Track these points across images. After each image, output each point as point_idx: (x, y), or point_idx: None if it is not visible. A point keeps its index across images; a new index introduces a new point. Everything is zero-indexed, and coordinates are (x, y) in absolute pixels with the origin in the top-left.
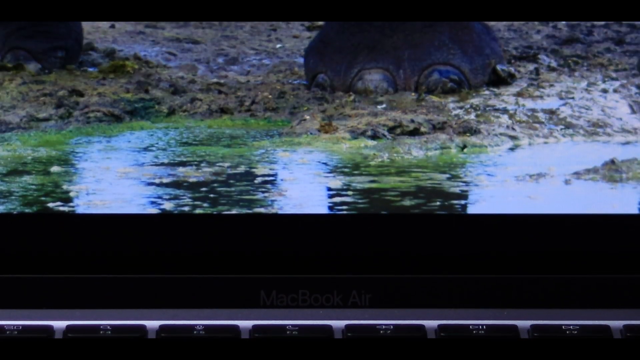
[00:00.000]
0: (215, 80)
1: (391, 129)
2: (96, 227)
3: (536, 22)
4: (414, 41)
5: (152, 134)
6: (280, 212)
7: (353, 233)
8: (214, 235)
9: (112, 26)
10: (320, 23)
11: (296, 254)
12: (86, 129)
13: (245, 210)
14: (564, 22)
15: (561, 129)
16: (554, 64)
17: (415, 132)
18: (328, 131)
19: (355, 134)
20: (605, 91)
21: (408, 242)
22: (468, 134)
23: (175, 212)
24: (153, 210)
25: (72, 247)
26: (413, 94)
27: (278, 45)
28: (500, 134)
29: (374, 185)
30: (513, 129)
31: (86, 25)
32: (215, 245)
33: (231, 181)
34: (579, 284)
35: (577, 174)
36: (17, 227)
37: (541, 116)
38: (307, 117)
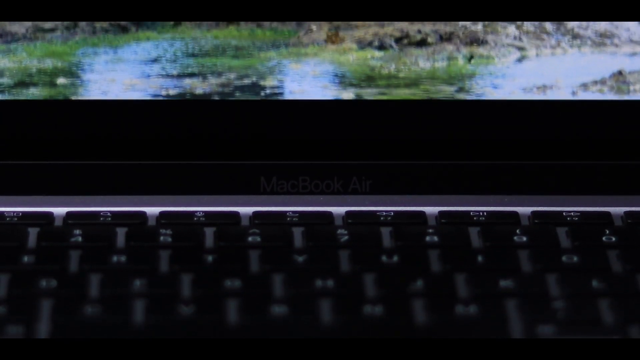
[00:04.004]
0: None
1: (398, 40)
2: (96, 113)
3: None
4: None
5: (158, 45)
6: (280, 98)
7: (354, 119)
8: (214, 121)
9: None
10: None
11: (296, 140)
12: (92, 39)
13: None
14: None
15: (568, 39)
16: None
17: (422, 43)
18: (335, 42)
19: (362, 45)
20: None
21: (409, 128)
22: (475, 45)
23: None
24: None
25: (72, 134)
26: None
27: None
28: (508, 44)
29: (384, 97)
30: (520, 39)
31: None
32: (215, 132)
33: (237, 93)
34: (580, 170)
35: (584, 86)
36: (17, 114)
37: (548, 27)
38: (314, 28)
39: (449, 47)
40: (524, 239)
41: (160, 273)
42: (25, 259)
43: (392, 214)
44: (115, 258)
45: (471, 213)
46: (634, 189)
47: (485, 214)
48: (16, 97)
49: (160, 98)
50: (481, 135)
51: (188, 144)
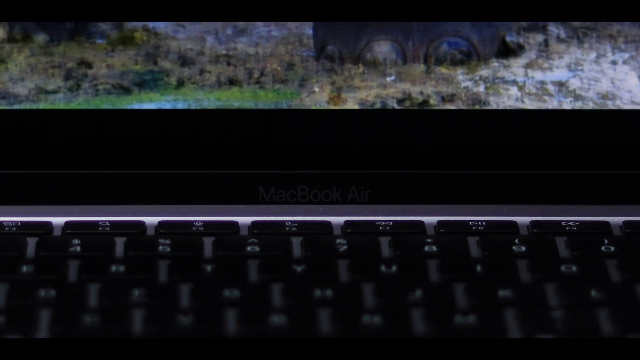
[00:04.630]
0: (224, 51)
1: (400, 101)
2: (95, 123)
3: None
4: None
5: (160, 106)
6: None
7: (353, 129)
8: (213, 130)
9: None
10: None
11: (295, 149)
12: (95, 100)
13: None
14: None
15: (570, 101)
16: (563, 35)
17: (424, 104)
18: (337, 103)
19: (365, 106)
20: (614, 63)
21: (408, 138)
22: (477, 106)
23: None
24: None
25: (70, 143)
26: (422, 65)
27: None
28: (510, 106)
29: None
30: (522, 101)
31: None
32: (214, 141)
33: None
34: (579, 180)
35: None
36: (15, 123)
37: (550, 88)
38: (316, 89)
39: (451, 108)
40: (523, 248)
41: (159, 283)
42: (24, 268)
43: (391, 223)
44: (114, 268)
45: (470, 223)
46: (632, 198)
47: (484, 223)
48: (14, 107)
49: (160, 109)
50: (480, 145)
51: (187, 153)
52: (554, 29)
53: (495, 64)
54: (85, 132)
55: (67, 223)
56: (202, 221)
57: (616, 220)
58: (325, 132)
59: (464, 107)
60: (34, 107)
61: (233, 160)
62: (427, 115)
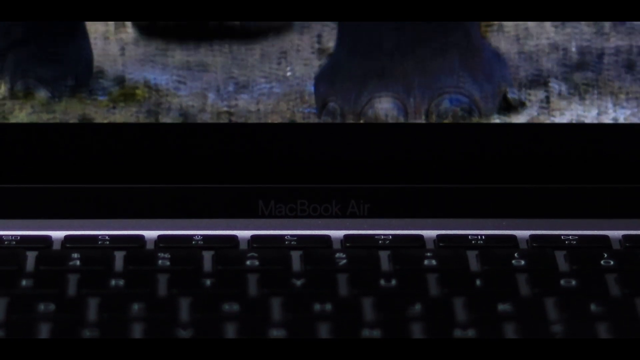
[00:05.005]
0: (225, 108)
1: None
2: (94, 136)
3: (546, 48)
4: (424, 67)
5: None
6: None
7: (352, 142)
8: (212, 144)
9: (122, 52)
10: (331, 49)
11: (295, 163)
12: None
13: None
14: (574, 49)
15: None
16: (564, 91)
17: None
18: None
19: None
20: (616, 120)
21: (407, 151)
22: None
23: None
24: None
25: (70, 157)
26: (424, 121)
27: (288, 73)
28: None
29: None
30: None
31: (96, 51)
32: (213, 155)
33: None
34: (579, 194)
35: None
36: (14, 137)
37: None
38: None
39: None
40: (522, 262)
41: (158, 297)
42: (24, 282)
43: (391, 237)
44: (113, 282)
45: (469, 237)
46: (632, 212)
47: (483, 237)
48: (13, 121)
49: (155, 122)
50: (480, 159)
51: (186, 167)
52: (555, 85)
53: (497, 120)
54: (84, 145)
55: (66, 237)
56: (201, 235)
57: (615, 234)
58: (324, 146)
59: (461, 122)
60: (35, 120)
61: (232, 174)
62: (426, 129)
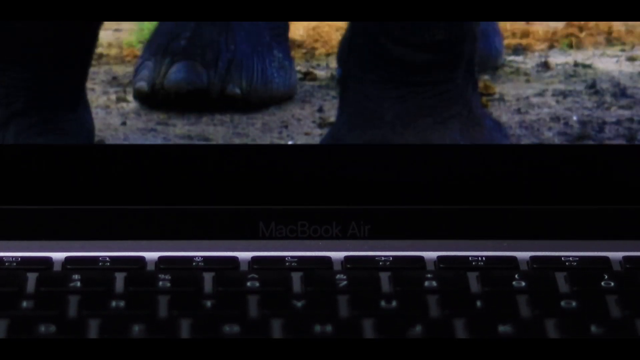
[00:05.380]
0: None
1: None
2: (94, 158)
3: (548, 119)
4: (425, 138)
5: None
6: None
7: (352, 163)
8: (212, 166)
9: (124, 123)
10: (332, 119)
11: (295, 184)
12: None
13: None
14: (575, 119)
15: None
16: None
17: None
18: None
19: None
20: None
21: (407, 172)
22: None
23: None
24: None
25: (70, 179)
26: None
27: (290, 142)
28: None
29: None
30: None
31: (97, 121)
32: (213, 176)
33: None
34: (579, 215)
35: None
36: (15, 158)
37: None
38: None
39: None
40: (523, 284)
41: (159, 318)
42: (24, 304)
43: (391, 258)
44: (114, 303)
45: (470, 258)
46: (632, 233)
47: (484, 258)
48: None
49: (158, 144)
50: (480, 180)
51: (186, 189)
52: None
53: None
54: (84, 167)
55: (67, 258)
56: (202, 256)
57: (616, 255)
58: (324, 167)
59: (461, 143)
60: (33, 142)
61: (233, 196)
62: (426, 150)
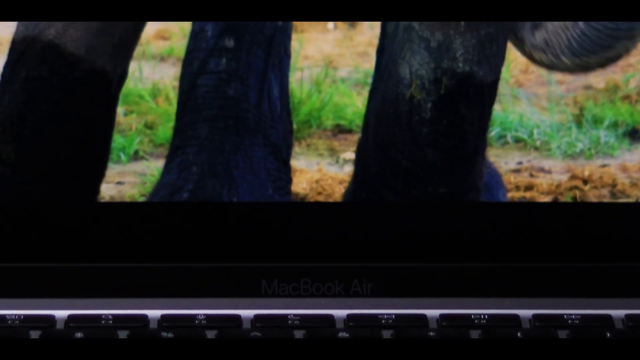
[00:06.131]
0: None
1: None
2: (97, 216)
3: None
4: None
5: None
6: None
7: (354, 222)
8: (214, 224)
9: None
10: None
11: (297, 242)
12: None
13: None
14: None
15: None
16: None
17: None
18: None
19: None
20: None
21: (409, 230)
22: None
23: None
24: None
25: (73, 237)
26: None
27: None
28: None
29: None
30: None
31: None
32: (216, 234)
33: None
34: (581, 273)
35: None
36: (17, 216)
37: None
38: None
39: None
40: (525, 342)
41: None
42: None
43: (394, 317)
44: None
45: (472, 316)
46: (634, 291)
47: (486, 316)
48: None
49: (160, 202)
50: (481, 237)
51: (189, 246)
52: None
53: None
54: (85, 225)
55: (70, 316)
56: (204, 314)
57: (618, 313)
58: (327, 225)
59: (462, 202)
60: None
61: (235, 254)
62: (427, 209)
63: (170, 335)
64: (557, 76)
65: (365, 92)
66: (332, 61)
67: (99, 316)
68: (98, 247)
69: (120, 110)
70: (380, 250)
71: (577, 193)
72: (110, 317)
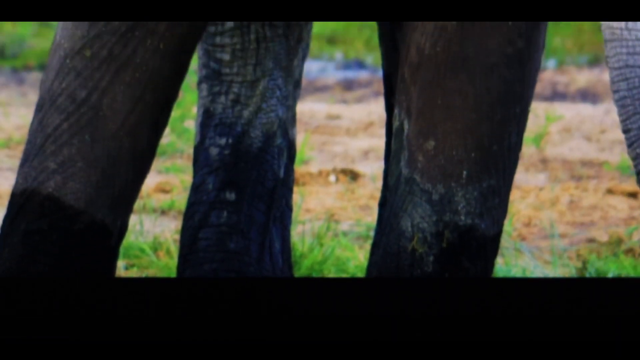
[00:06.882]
0: None
1: None
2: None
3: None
4: None
5: None
6: None
7: None
8: None
9: None
10: None
11: None
12: None
13: None
14: None
15: None
16: None
17: None
18: None
19: None
20: None
21: None
22: None
23: None
24: None
25: None
26: None
27: None
28: None
29: None
30: None
31: None
32: None
33: None
34: None
35: None
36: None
37: None
38: None
39: None
40: None
41: None
42: None
43: None
44: None
45: None
46: None
47: None
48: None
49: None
50: None
51: None
52: None
53: None
54: None
55: None
56: None
57: None
58: None
59: None
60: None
61: None
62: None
63: None
64: (560, 229)
65: (368, 246)
66: (334, 214)
67: None
68: None
69: (120, 264)
70: None
71: None
72: None
